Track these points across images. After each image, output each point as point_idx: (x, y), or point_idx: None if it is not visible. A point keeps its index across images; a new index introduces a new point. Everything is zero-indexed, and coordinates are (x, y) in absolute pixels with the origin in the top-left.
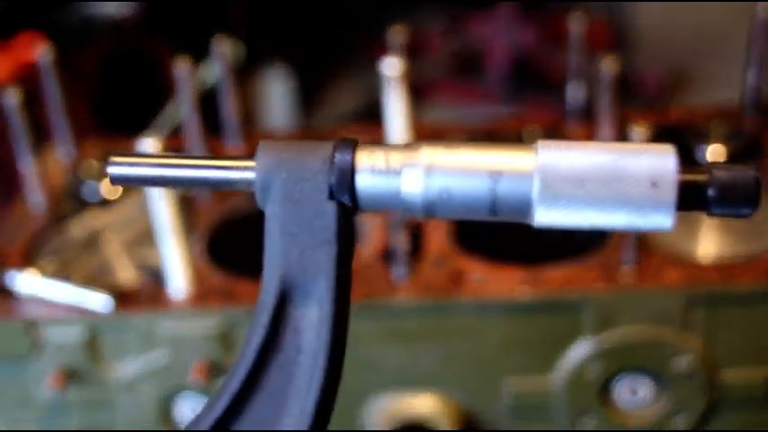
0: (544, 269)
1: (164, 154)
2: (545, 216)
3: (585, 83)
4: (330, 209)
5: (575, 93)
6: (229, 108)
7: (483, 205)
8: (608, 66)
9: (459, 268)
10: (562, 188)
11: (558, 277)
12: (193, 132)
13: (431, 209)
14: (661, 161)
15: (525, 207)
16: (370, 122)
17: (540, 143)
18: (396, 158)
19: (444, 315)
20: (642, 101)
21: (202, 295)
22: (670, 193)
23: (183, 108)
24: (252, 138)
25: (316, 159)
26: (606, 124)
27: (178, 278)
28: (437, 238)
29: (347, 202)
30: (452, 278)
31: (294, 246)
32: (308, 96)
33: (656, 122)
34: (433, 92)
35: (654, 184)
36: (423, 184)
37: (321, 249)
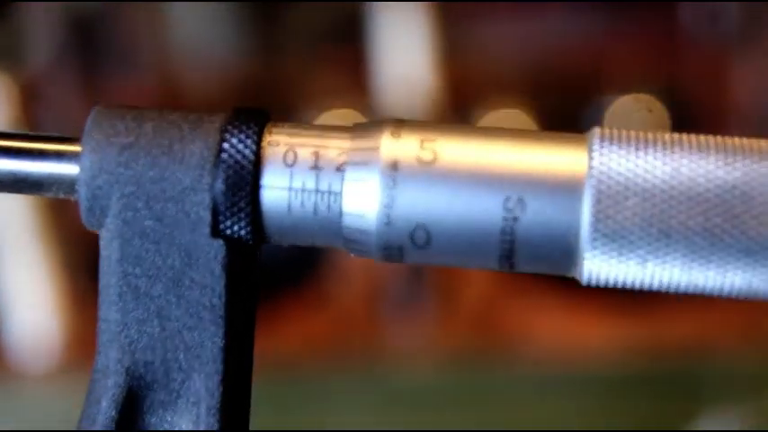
0: (650, 310)
1: None
2: (598, 269)
3: None
4: (213, 251)
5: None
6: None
7: (489, 253)
8: None
9: (510, 309)
10: (634, 221)
11: (678, 328)
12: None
13: (396, 251)
14: None
15: (564, 254)
16: (352, 48)
17: (598, 135)
18: (334, 155)
19: (480, 393)
20: None
21: (77, 357)
22: None
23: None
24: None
25: (187, 158)
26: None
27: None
28: None
29: (244, 237)
30: (497, 328)
31: (148, 313)
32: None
33: None
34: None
35: None
36: (382, 209)
37: (198, 323)
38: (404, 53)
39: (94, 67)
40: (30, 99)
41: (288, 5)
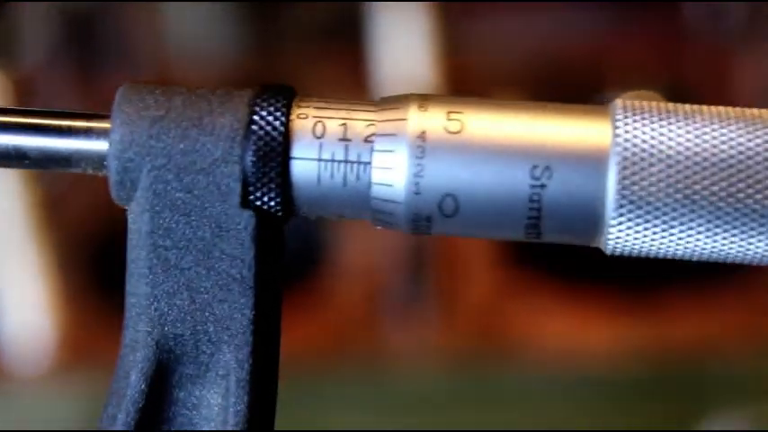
0: (655, 312)
1: None
2: (624, 237)
3: None
4: (243, 221)
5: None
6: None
7: (516, 221)
8: None
9: (513, 310)
10: (659, 187)
11: (683, 330)
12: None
13: (424, 222)
14: None
15: (590, 221)
16: (350, 45)
17: (621, 105)
18: (362, 127)
19: (482, 396)
20: None
21: (71, 359)
22: None
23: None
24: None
25: (217, 130)
26: None
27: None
28: (476, 256)
29: (273, 208)
30: (499, 329)
31: (178, 286)
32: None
33: None
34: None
35: None
36: (411, 178)
37: (227, 295)
38: (403, 50)
39: (90, 64)
40: (25, 95)
41: (286, 2)
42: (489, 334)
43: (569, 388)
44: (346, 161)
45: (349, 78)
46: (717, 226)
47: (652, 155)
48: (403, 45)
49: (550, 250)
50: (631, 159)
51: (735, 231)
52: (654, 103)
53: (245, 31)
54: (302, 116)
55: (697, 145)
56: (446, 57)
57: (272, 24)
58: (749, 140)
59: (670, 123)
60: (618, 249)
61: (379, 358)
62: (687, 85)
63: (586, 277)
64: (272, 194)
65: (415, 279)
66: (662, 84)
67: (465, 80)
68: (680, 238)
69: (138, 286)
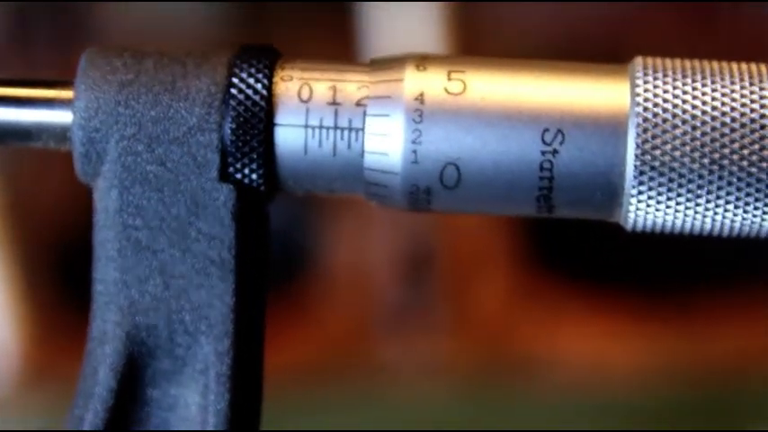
0: (688, 322)
1: None
2: (645, 208)
3: None
4: (222, 197)
5: None
6: None
7: (526, 192)
8: None
9: (528, 320)
10: (683, 151)
11: (721, 343)
12: None
13: (423, 195)
14: None
15: (607, 192)
16: (343, 17)
17: (641, 64)
18: (353, 90)
19: (492, 419)
20: None
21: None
22: None
23: None
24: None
25: (192, 95)
26: None
27: None
28: (486, 256)
29: (255, 182)
30: (512, 343)
31: (150, 270)
32: None
33: None
34: None
35: None
36: (408, 145)
37: (205, 280)
38: (404, 23)
39: (64, 42)
40: None
41: None
42: (500, 348)
43: (592, 412)
44: (336, 127)
45: (341, 53)
46: (748, 194)
47: (675, 115)
48: (404, 16)
49: (569, 249)
50: (652, 121)
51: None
52: (677, 61)
53: (228, 7)
54: (286, 78)
55: (725, 104)
56: (455, 31)
57: None
58: None
59: (695, 81)
60: (639, 223)
61: (374, 376)
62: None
63: (611, 281)
64: (254, 166)
65: (415, 283)
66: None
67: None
68: (707, 209)
69: (105, 272)
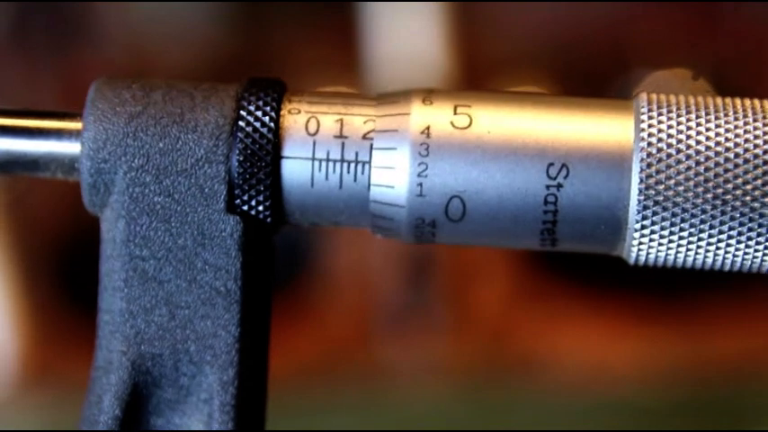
0: (690, 324)
1: None
2: (648, 243)
3: None
4: (229, 228)
5: None
6: None
7: (530, 225)
8: None
9: (529, 322)
10: (687, 186)
11: (722, 344)
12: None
13: (428, 228)
14: None
15: (611, 226)
16: (343, 19)
17: (645, 99)
18: (360, 123)
19: (493, 420)
20: None
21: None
22: None
23: None
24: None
25: (201, 127)
26: None
27: None
28: (487, 260)
29: (262, 214)
30: (513, 345)
31: (156, 300)
32: None
33: None
34: None
35: None
36: (414, 178)
37: (210, 310)
38: (405, 24)
39: (59, 41)
40: None
41: None
42: (500, 349)
43: (592, 412)
44: (343, 160)
45: (342, 55)
46: (751, 230)
47: (679, 151)
48: (404, 17)
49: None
50: (656, 156)
51: None
52: (681, 97)
53: (227, 8)
54: (294, 111)
55: (728, 140)
56: (457, 31)
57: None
58: None
59: (699, 117)
60: (642, 258)
61: (376, 376)
62: (722, 61)
63: (612, 284)
64: (261, 198)
65: (416, 284)
66: (691, 62)
67: (472, 63)
68: (710, 244)
69: (112, 301)
